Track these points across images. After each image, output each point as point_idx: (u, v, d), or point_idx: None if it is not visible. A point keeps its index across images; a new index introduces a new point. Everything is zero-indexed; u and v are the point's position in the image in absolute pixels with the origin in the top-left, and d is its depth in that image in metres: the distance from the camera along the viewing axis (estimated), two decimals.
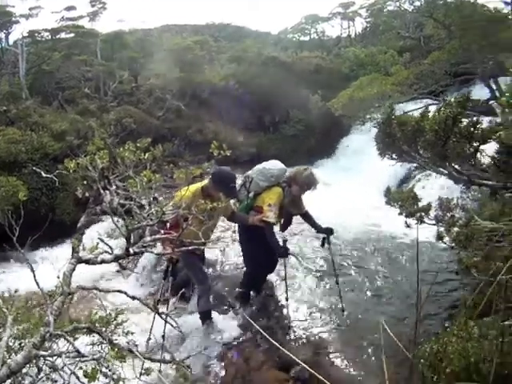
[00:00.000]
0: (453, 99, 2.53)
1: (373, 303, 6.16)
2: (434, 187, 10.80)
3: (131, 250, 2.93)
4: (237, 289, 6.34)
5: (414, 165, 12.30)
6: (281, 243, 5.71)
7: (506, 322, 2.30)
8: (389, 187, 8.06)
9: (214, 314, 5.81)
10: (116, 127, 14.63)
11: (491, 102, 9.60)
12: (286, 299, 5.75)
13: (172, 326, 3.08)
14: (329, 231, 6.00)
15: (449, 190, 8.44)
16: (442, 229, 4.87)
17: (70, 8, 22.55)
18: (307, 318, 5.83)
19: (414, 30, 22.00)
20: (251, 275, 6.21)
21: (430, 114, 2.57)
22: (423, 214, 5.26)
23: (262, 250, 5.86)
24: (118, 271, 8.16)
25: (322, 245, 6.03)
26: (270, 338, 4.53)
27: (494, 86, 10.20)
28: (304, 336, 5.46)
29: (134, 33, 27.61)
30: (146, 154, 3.41)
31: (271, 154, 17.99)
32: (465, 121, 2.48)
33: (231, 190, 5.18)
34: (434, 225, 5.13)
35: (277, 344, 4.55)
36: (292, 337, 5.47)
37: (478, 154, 2.35)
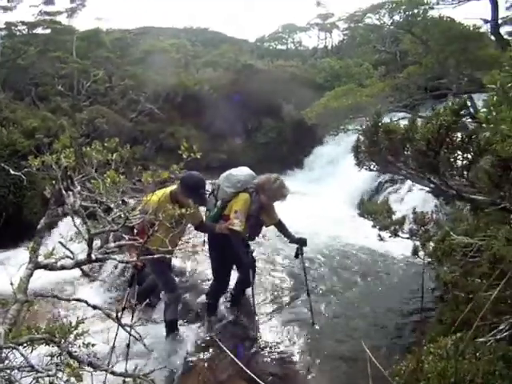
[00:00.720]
0: (449, 105, 2.44)
1: (344, 315, 6.06)
2: (406, 200, 10.90)
3: (93, 256, 2.77)
4: (204, 299, 6.13)
5: (386, 177, 12.54)
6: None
7: (481, 339, 2.24)
8: (363, 199, 8.07)
9: (181, 325, 5.66)
10: (88, 127, 14.40)
11: (464, 118, 9.69)
12: (254, 312, 5.65)
13: (136, 338, 2.93)
14: (302, 242, 5.77)
15: (423, 203, 8.48)
16: (417, 243, 4.86)
17: (48, 2, 22.08)
18: (277, 331, 5.68)
19: (390, 45, 22.22)
20: (218, 286, 5.96)
21: (419, 124, 2.48)
22: (397, 227, 5.24)
23: (230, 261, 5.70)
24: (82, 276, 7.94)
25: (296, 256, 5.81)
26: (230, 353, 4.46)
27: (469, 103, 10.32)
28: (273, 349, 5.32)
29: (111, 32, 27.28)
30: (114, 155, 3.27)
31: (242, 161, 18.02)
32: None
33: (200, 197, 4.99)
34: (408, 239, 5.12)
35: (234, 357, 4.45)
36: (261, 349, 5.31)
37: (472, 167, 2.26)
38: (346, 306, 6.33)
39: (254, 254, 5.79)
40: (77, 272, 7.56)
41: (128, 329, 2.96)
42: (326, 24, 35.09)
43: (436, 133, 2.22)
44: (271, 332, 5.66)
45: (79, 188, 3.16)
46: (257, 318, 5.73)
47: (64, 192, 2.93)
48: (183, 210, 4.44)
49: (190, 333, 5.65)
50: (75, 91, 18.50)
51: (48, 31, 21.44)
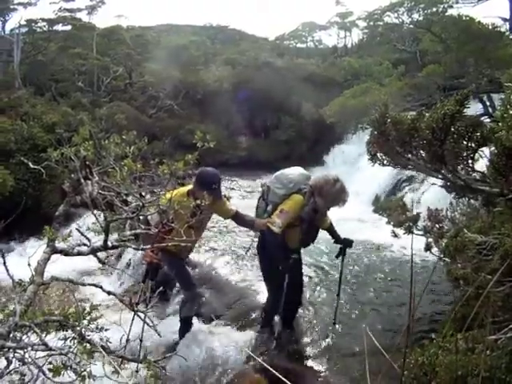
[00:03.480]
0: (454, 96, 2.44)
1: (363, 313, 6.03)
2: (423, 199, 10.83)
3: (109, 243, 2.83)
4: (261, 314, 5.57)
5: (404, 176, 12.46)
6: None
7: (492, 337, 2.24)
8: (377, 196, 8.05)
9: (197, 322, 5.59)
10: (107, 122, 14.53)
11: (483, 117, 9.63)
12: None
13: (148, 325, 2.98)
14: (348, 243, 5.27)
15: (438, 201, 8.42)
16: (430, 239, 4.85)
17: None
18: (296, 328, 5.62)
19: (410, 44, 22.10)
20: (271, 299, 5.31)
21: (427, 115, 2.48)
22: (411, 224, 5.22)
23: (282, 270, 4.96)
24: (100, 268, 8.06)
25: (338, 256, 5.33)
26: (250, 352, 4.46)
27: (488, 102, 10.23)
28: (291, 345, 5.30)
29: (131, 29, 27.51)
30: (132, 147, 3.32)
31: (262, 158, 18.05)
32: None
33: (213, 191, 4.66)
34: (422, 235, 5.10)
35: (253, 355, 4.46)
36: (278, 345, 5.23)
37: (477, 156, 2.25)
38: (367, 304, 6.30)
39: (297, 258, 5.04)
40: (93, 264, 7.72)
41: (141, 315, 3.01)
42: (345, 22, 34.97)
43: (440, 122, 2.21)
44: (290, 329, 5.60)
45: (97, 178, 3.24)
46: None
47: (83, 181, 2.99)
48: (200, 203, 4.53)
49: (205, 327, 5.64)
50: (95, 87, 18.73)
51: (68, 28, 21.78)
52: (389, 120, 2.39)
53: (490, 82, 9.78)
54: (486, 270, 2.70)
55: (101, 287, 2.97)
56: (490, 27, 9.68)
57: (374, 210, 11.28)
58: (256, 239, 5.32)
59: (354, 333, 5.48)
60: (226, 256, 7.92)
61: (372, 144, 2.60)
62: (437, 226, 4.85)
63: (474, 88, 9.38)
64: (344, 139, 17.94)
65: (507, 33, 10.43)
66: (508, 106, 2.90)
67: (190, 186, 4.90)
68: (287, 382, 1.06)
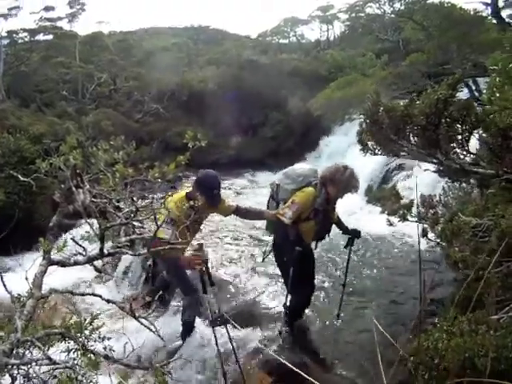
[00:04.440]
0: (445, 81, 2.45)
1: (366, 303, 6.05)
2: (413, 186, 10.86)
3: (105, 251, 2.81)
4: (283, 329, 5.37)
5: (393, 165, 12.49)
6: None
7: (495, 317, 2.25)
8: (370, 186, 8.06)
9: (200, 324, 5.49)
10: (94, 130, 14.46)
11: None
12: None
13: (150, 330, 2.95)
14: (357, 233, 5.29)
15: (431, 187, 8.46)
16: (426, 225, 4.87)
17: (48, 8, 22.28)
18: (301, 320, 5.60)
19: (392, 33, 22.16)
20: (295, 300, 5.22)
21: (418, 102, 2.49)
22: (406, 211, 5.24)
23: (302, 269, 4.93)
24: (96, 277, 8.01)
25: (346, 246, 5.36)
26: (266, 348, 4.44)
27: (474, 87, 10.28)
28: (295, 338, 5.28)
29: (113, 35, 27.41)
30: (120, 153, 3.29)
31: (251, 156, 18.05)
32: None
33: (214, 197, 4.67)
34: (416, 222, 5.13)
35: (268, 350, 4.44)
36: (281, 339, 5.25)
37: (472, 139, 2.26)
38: (367, 294, 6.33)
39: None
40: (91, 273, 7.67)
41: (142, 321, 2.98)
42: (326, 16, 35.01)
43: (434, 107, 2.22)
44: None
45: (88, 186, 3.21)
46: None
47: (74, 189, 2.96)
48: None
49: (207, 331, 5.57)
50: (80, 95, 18.62)
51: (50, 37, 21.61)
52: (381, 108, 2.39)
53: (474, 66, 9.83)
54: (484, 251, 2.71)
55: (100, 296, 2.94)
56: (472, 13, 9.74)
57: (368, 201, 11.33)
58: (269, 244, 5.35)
59: (359, 323, 5.51)
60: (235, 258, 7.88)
61: (365, 133, 2.60)
62: (431, 211, 4.88)
63: (459, 73, 9.41)
64: (331, 131, 17.97)
65: (489, 17, 10.48)
66: (494, 89, 2.92)
67: (188, 190, 4.86)
68: (300, 372, 1.06)
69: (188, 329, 5.25)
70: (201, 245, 4.38)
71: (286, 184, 4.91)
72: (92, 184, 3.66)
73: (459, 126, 2.25)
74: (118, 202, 3.56)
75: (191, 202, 4.31)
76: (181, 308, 5.59)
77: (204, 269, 4.56)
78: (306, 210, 4.77)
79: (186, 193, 4.80)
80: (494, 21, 10.34)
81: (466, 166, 2.44)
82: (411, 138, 2.46)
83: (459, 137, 2.28)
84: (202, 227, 5.46)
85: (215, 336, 4.61)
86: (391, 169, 12.86)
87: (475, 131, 2.25)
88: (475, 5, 10.50)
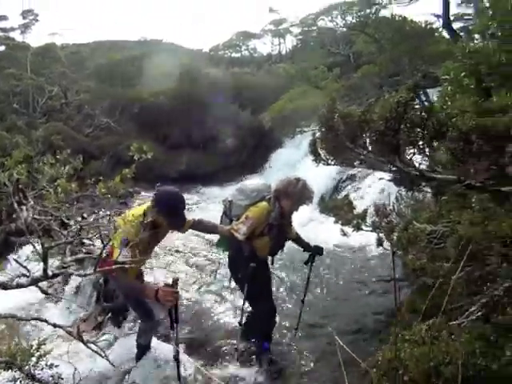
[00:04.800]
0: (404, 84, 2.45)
1: (326, 315, 6.01)
2: (366, 197, 11.04)
3: (50, 272, 2.63)
4: (240, 345, 5.14)
5: (344, 176, 12.63)
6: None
7: (455, 322, 2.24)
8: (323, 196, 8.10)
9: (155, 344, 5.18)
10: (44, 144, 14.03)
11: None
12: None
13: (100, 355, 2.79)
14: (318, 250, 5.17)
15: (382, 196, 8.58)
16: (381, 234, 4.88)
17: (1, 18, 21.66)
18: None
19: (343, 47, 22.61)
20: (259, 317, 4.98)
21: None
22: (360, 221, 5.24)
23: (261, 281, 4.83)
24: (46, 298, 7.64)
25: (307, 262, 5.21)
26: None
27: (424, 97, 10.54)
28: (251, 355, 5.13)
29: (66, 47, 26.88)
30: (67, 167, 3.15)
31: (202, 171, 17.94)
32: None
33: (177, 219, 4.28)
34: (371, 231, 5.14)
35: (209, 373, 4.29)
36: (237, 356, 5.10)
37: (434, 143, 2.23)
38: (325, 308, 6.30)
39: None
40: (40, 294, 7.33)
41: (91, 346, 2.81)
42: (279, 30, 35.45)
43: (394, 111, 2.18)
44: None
45: (32, 202, 3.04)
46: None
47: (16, 206, 2.78)
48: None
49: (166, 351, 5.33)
50: (31, 108, 18.07)
51: (1, 48, 21.00)
52: (337, 115, 2.33)
53: (423, 77, 10.09)
54: (442, 258, 2.72)
55: (45, 321, 2.76)
56: (423, 25, 10.03)
57: (320, 211, 11.36)
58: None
59: (318, 337, 5.45)
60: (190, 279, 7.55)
61: (320, 141, 2.53)
62: (385, 220, 4.89)
63: (410, 84, 9.65)
64: (283, 144, 18.10)
65: (440, 29, 10.83)
66: (446, 98, 2.94)
67: (146, 205, 4.32)
68: None
69: (143, 351, 4.99)
70: (175, 280, 3.91)
71: (239, 200, 4.79)
72: (37, 200, 3.48)
73: (419, 130, 2.20)
74: (68, 219, 3.40)
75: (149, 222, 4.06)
76: (135, 328, 5.39)
77: (174, 306, 4.13)
78: (260, 225, 4.65)
79: (144, 211, 4.24)
80: (445, 32, 10.68)
81: (425, 173, 2.41)
82: (368, 146, 2.40)
83: (420, 142, 2.24)
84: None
85: (178, 371, 4.31)
86: (343, 179, 13.04)
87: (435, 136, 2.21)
88: (427, 17, 10.85)
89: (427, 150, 2.26)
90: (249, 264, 4.64)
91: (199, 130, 19.34)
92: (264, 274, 4.96)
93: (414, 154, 2.35)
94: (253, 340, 5.13)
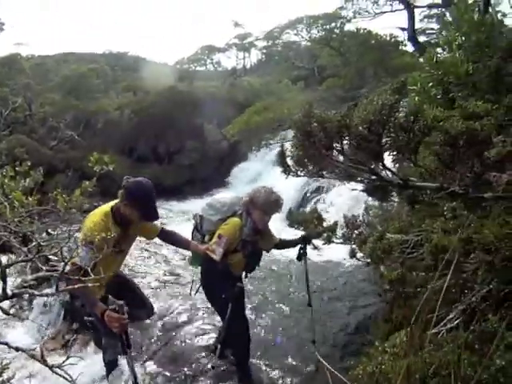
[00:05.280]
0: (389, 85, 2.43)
1: (294, 330, 5.91)
2: (332, 208, 11.10)
3: (9, 292, 2.46)
4: (217, 363, 5.01)
5: (311, 188, 12.69)
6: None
7: (433, 331, 2.20)
8: (291, 209, 8.08)
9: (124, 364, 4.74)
10: (7, 157, 13.67)
11: None
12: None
13: (66, 379, 2.63)
14: (306, 239, 4.96)
15: (351, 208, 8.61)
16: (353, 246, 4.86)
17: None
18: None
19: (308, 61, 22.89)
20: (237, 340, 4.75)
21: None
22: (331, 233, 5.21)
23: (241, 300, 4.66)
24: (14, 316, 7.32)
25: (299, 258, 4.99)
26: None
27: None
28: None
29: (30, 58, 26.42)
30: (27, 180, 3.01)
31: (166, 184, 17.77)
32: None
33: (151, 211, 3.98)
34: (342, 243, 5.12)
35: None
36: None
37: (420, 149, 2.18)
38: (294, 321, 6.17)
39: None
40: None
41: (56, 370, 2.64)
42: (244, 44, 35.70)
43: (378, 113, 2.10)
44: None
45: None
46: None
47: None
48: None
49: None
50: None
51: None
52: (314, 120, 2.26)
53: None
54: (419, 267, 2.69)
55: (7, 344, 2.58)
56: (388, 38, 10.22)
57: (289, 225, 11.33)
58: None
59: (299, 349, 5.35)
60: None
61: (295, 149, 2.44)
62: (356, 232, 4.88)
63: (396, 85, 9.80)
64: (248, 157, 18.14)
65: (404, 42, 11.09)
66: (414, 108, 2.95)
67: (112, 204, 4.09)
68: None
69: (111, 368, 4.77)
70: (121, 306, 3.58)
71: (210, 215, 4.60)
72: None
73: (405, 135, 2.13)
74: (27, 235, 3.23)
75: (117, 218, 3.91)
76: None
77: (123, 333, 3.77)
78: (233, 242, 4.48)
79: (111, 207, 4.03)
80: (410, 45, 10.93)
81: (408, 181, 2.36)
82: (348, 153, 2.32)
83: (404, 147, 2.17)
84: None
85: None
86: (309, 191, 13.09)
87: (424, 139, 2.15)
88: (392, 30, 11.09)
89: (412, 156, 2.20)
90: (228, 282, 4.46)
91: (164, 143, 19.21)
92: (242, 291, 4.70)
93: (398, 160, 2.29)
94: (232, 358, 4.96)
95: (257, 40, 34.48)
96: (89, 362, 5.32)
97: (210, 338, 5.57)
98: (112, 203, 4.09)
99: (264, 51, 35.51)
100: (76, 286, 2.49)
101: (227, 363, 5.03)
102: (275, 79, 23.63)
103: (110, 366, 4.76)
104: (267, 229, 4.81)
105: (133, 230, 4.19)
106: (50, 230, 7.43)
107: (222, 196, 4.74)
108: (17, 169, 3.07)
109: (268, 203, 4.48)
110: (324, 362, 1.48)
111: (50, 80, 22.60)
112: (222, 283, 4.50)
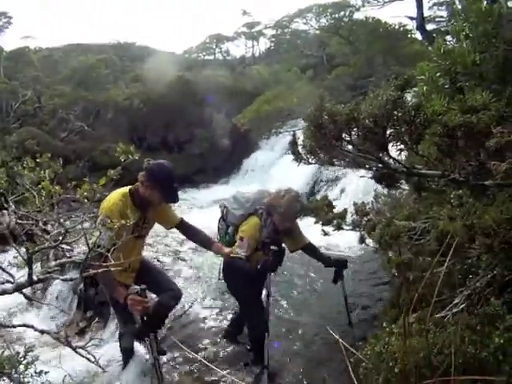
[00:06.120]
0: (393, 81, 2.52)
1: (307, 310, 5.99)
2: (342, 197, 11.18)
3: (35, 277, 2.59)
4: (248, 350, 4.96)
5: (321, 177, 12.77)
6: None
7: (440, 315, 2.31)
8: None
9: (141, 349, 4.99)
10: (18, 150, 13.84)
11: None
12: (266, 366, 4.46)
13: (89, 360, 2.76)
14: (341, 264, 4.76)
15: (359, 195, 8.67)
16: (363, 232, 4.95)
17: None
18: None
19: (317, 49, 22.81)
20: (251, 326, 4.73)
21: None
22: (340, 220, 5.30)
23: (255, 292, 4.65)
24: (29, 304, 7.52)
25: (335, 281, 4.78)
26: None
27: None
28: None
29: (38, 51, 26.57)
30: (47, 171, 3.11)
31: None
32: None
33: (173, 192, 3.98)
34: (351, 230, 5.20)
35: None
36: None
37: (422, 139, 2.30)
38: (306, 308, 6.21)
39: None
40: (17, 301, 7.20)
41: (80, 351, 2.78)
42: (252, 32, 35.59)
43: (383, 108, 2.24)
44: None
45: (14, 207, 3.00)
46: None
47: None
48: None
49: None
50: (4, 113, 17.79)
51: None
52: (325, 113, 2.38)
53: (396, 78, 10.25)
54: (425, 252, 2.79)
55: (32, 327, 2.73)
56: (397, 27, 10.21)
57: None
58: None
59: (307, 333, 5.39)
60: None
61: (308, 139, 2.57)
62: (365, 218, 4.96)
63: (383, 85, 9.82)
64: (258, 146, 18.20)
65: (413, 30, 11.07)
66: (422, 98, 3.02)
67: (128, 188, 4.05)
68: None
69: (127, 355, 4.86)
70: (143, 290, 3.63)
71: (234, 209, 4.57)
72: (17, 205, 3.43)
73: (408, 127, 2.26)
74: (45, 224, 3.35)
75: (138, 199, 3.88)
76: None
77: (145, 317, 3.81)
78: (254, 242, 4.36)
79: (130, 189, 4.02)
80: (419, 34, 10.90)
81: (412, 169, 2.48)
82: (355, 143, 2.46)
83: (407, 138, 2.30)
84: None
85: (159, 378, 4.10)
86: (319, 180, 13.16)
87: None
88: (401, 19, 11.10)
89: (414, 146, 2.33)
90: (249, 280, 4.38)
91: (173, 133, 19.34)
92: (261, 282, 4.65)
93: (402, 150, 2.42)
94: (248, 345, 4.97)
95: (265, 28, 34.41)
96: (105, 349, 5.44)
97: (220, 321, 5.68)
98: (127, 188, 4.04)
99: (272, 40, 35.40)
100: (100, 270, 2.59)
101: (241, 346, 5.14)
102: (284, 67, 23.57)
103: (127, 353, 4.84)
104: (295, 227, 4.68)
105: (151, 213, 4.15)
106: (61, 220, 7.57)
107: (248, 190, 4.60)
108: (37, 160, 3.18)
109: (289, 213, 4.34)
110: (339, 338, 1.58)
111: (59, 72, 22.77)
112: (243, 281, 4.42)
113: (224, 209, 4.64)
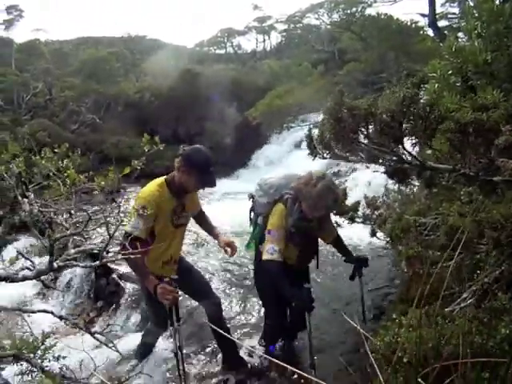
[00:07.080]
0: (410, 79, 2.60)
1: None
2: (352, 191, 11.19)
3: (55, 265, 2.68)
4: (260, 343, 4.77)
5: (332, 170, 12.82)
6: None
7: (448, 309, 2.37)
8: None
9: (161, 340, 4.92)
10: (29, 141, 13.99)
11: None
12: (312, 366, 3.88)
13: (108, 346, 2.83)
14: (361, 261, 4.29)
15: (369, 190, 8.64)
16: (374, 226, 5.01)
17: None
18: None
19: (328, 44, 22.79)
20: (270, 326, 4.57)
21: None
22: (353, 212, 5.35)
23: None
24: (38, 293, 7.62)
25: (352, 278, 4.32)
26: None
27: None
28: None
29: (49, 43, 26.74)
30: (65, 161, 3.18)
31: None
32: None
33: (210, 177, 3.79)
34: (362, 223, 5.25)
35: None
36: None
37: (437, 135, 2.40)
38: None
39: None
40: (32, 289, 7.31)
41: (98, 336, 2.86)
42: (264, 27, 35.60)
43: (400, 104, 2.33)
44: None
45: (32, 196, 3.08)
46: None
47: (20, 199, 2.84)
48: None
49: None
50: (15, 105, 17.97)
51: None
52: (344, 107, 2.48)
53: (407, 75, 10.26)
54: (435, 247, 2.85)
55: (52, 312, 2.81)
56: (409, 23, 10.22)
57: None
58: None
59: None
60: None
61: (328, 133, 2.67)
62: (376, 212, 5.02)
63: (394, 81, 9.83)
64: (269, 140, 18.21)
65: (425, 27, 11.07)
66: (434, 95, 3.07)
67: (165, 177, 3.91)
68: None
69: (148, 349, 4.79)
70: (175, 280, 3.60)
71: (259, 196, 4.19)
72: (35, 194, 3.52)
73: (422, 122, 2.37)
74: (68, 212, 3.42)
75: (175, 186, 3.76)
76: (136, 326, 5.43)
77: (174, 307, 3.71)
78: (284, 232, 3.89)
79: (165, 178, 3.87)
80: (431, 31, 10.87)
81: (425, 163, 2.58)
82: (372, 136, 2.56)
83: (422, 133, 2.41)
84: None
85: (179, 367, 3.92)
86: (331, 173, 13.21)
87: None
88: (412, 16, 11.10)
89: (428, 141, 2.43)
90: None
91: (184, 126, 19.42)
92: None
93: (416, 144, 2.51)
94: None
95: (277, 23, 34.39)
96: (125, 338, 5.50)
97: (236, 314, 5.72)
98: (162, 178, 3.92)
99: (284, 34, 35.38)
100: (132, 256, 2.63)
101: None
102: (295, 62, 23.54)
103: (148, 347, 4.76)
104: (327, 216, 4.21)
105: (188, 200, 4.03)
106: (72, 211, 7.68)
107: (271, 176, 4.28)
108: (55, 150, 3.25)
109: (318, 203, 3.69)
110: (353, 323, 1.64)
111: (70, 64, 22.95)
112: (283, 286, 3.81)
113: (252, 198, 4.35)
